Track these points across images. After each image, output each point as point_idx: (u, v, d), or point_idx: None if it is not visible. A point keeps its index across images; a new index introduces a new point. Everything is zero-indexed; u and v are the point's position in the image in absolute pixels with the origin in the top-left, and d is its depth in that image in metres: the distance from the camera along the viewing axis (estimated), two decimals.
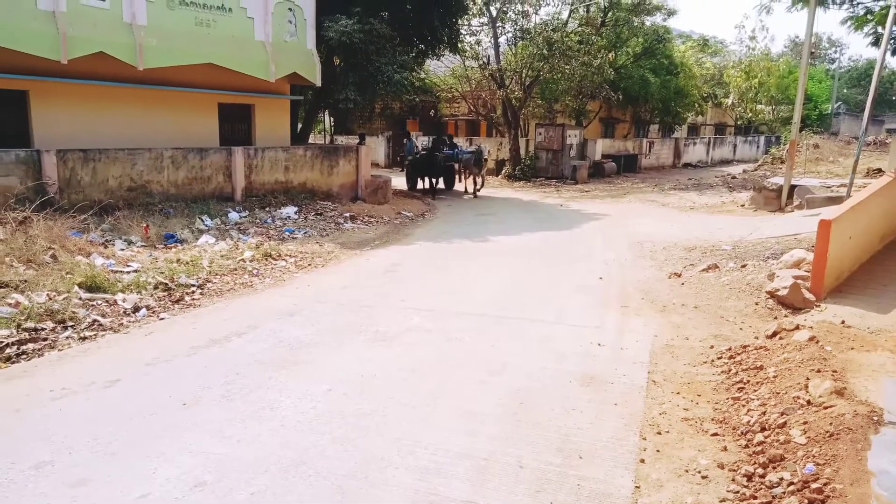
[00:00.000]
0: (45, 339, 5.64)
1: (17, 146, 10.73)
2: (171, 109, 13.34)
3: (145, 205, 11.32)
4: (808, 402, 3.97)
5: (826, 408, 3.78)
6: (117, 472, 3.58)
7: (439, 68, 26.75)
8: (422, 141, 24.10)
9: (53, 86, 11.48)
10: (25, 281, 6.67)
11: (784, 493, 3.23)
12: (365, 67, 15.13)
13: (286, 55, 14.07)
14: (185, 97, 13.48)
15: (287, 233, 11.35)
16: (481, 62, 24.17)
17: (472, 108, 27.04)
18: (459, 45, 20.53)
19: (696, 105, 31.87)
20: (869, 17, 13.45)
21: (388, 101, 26.84)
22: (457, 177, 20.33)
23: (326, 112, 25.27)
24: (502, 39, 24.25)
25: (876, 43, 13.80)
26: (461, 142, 24.87)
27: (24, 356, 5.32)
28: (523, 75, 23.18)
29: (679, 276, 8.61)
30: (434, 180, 18.77)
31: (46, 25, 10.41)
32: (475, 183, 18.85)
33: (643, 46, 26.19)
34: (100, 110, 12.25)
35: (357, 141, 21.83)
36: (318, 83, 14.98)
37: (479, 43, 24.46)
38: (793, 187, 14.59)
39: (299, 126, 18.94)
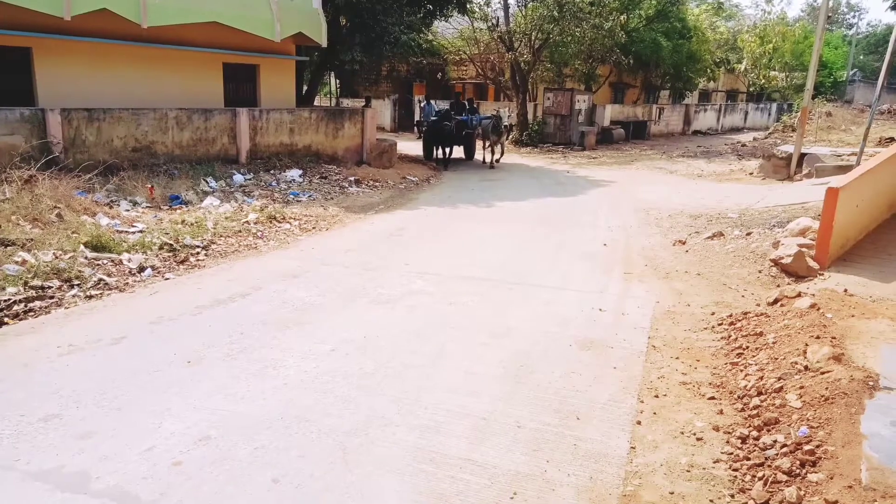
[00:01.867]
0: (51, 297, 5.71)
1: (22, 104, 10.68)
2: (176, 69, 13.22)
3: (150, 165, 11.30)
4: (806, 368, 4.00)
5: (823, 373, 3.81)
6: (123, 425, 3.66)
7: (447, 30, 26.34)
8: (440, 105, 21.32)
9: (57, 43, 11.36)
10: (32, 239, 6.72)
11: (777, 454, 3.28)
12: (371, 28, 14.90)
13: (292, 14, 13.85)
14: (189, 56, 13.34)
15: (292, 195, 11.34)
16: (490, 24, 23.75)
17: (480, 71, 26.66)
18: (468, 6, 20.11)
19: (709, 70, 31.31)
20: None
21: (395, 63, 26.56)
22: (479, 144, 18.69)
23: (332, 74, 25.02)
24: (512, 0, 23.78)
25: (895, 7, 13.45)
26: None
27: (32, 313, 5.39)
28: (533, 38, 22.76)
29: (683, 243, 8.59)
30: (447, 149, 17.23)
31: None
32: (493, 152, 17.35)
33: (656, 9, 25.62)
34: (104, 69, 12.15)
35: (363, 104, 21.67)
36: (324, 43, 14.77)
37: (488, 4, 23.97)
38: (803, 155, 14.41)
39: (305, 88, 18.75)
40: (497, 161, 17.52)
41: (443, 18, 19.99)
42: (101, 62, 12.05)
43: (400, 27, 15.25)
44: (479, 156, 18.46)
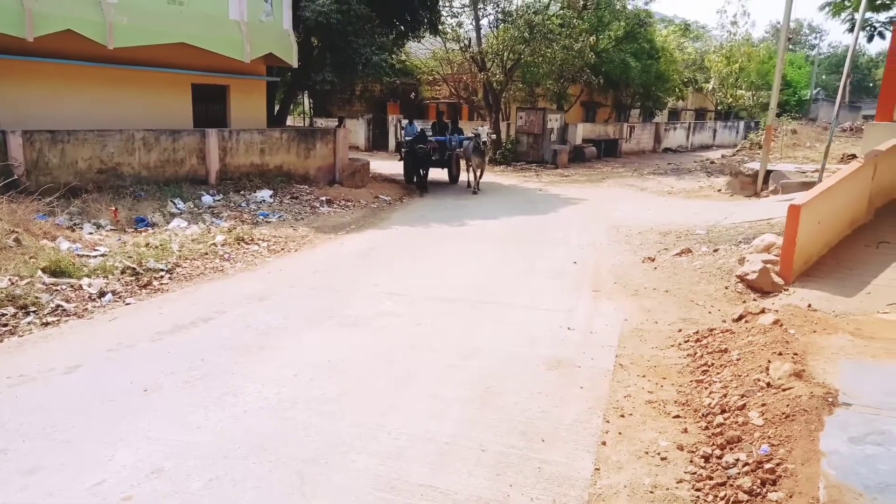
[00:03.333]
0: (5, 325, 5.52)
1: None
2: (143, 90, 13.07)
3: (116, 188, 11.10)
4: (768, 385, 4.01)
5: (784, 390, 3.83)
6: (72, 459, 3.53)
7: (420, 50, 26.51)
8: (420, 126, 18.89)
9: (20, 64, 11.16)
10: None
11: (738, 473, 3.26)
12: (343, 49, 14.91)
13: (262, 35, 13.81)
14: (157, 77, 13.21)
15: (261, 216, 11.22)
16: (462, 44, 23.98)
17: (453, 90, 26.84)
18: (440, 27, 20.28)
19: (677, 90, 31.95)
20: (846, 2, 13.52)
21: (368, 83, 26.59)
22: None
23: (306, 94, 24.98)
24: (484, 21, 24.07)
25: (852, 29, 13.89)
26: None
27: None
28: (504, 58, 23.03)
29: (653, 260, 8.66)
30: (423, 172, 16.32)
31: (11, 1, 10.10)
32: (474, 174, 16.15)
33: (625, 30, 26.11)
34: (69, 90, 11.96)
35: (336, 124, 21.58)
36: (295, 64, 14.74)
37: (460, 25, 24.22)
38: (768, 172, 14.71)
39: (277, 108, 18.68)
40: (478, 183, 16.35)
41: (415, 39, 20.12)
42: (65, 83, 11.86)
43: (371, 48, 15.28)
44: (464, 177, 17.30)
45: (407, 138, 16.63)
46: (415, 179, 16.62)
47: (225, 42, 13.15)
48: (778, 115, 24.18)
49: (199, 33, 12.66)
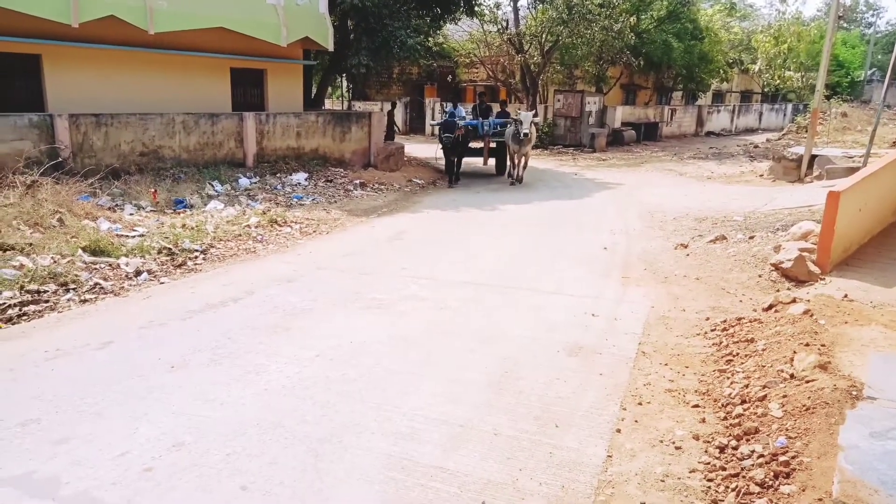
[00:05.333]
0: (46, 301, 5.77)
1: (32, 110, 10.85)
2: (183, 74, 13.34)
3: (156, 170, 11.42)
4: (792, 376, 3.92)
5: (807, 381, 3.73)
6: (100, 430, 3.69)
7: (457, 33, 26.32)
8: (463, 110, 15.70)
9: (66, 50, 11.52)
10: (31, 244, 6.80)
11: (753, 464, 3.21)
12: (378, 32, 14.92)
13: (298, 19, 13.92)
14: (196, 62, 13.46)
15: (295, 199, 11.39)
16: (500, 26, 23.70)
17: (490, 73, 26.62)
18: (477, 9, 20.07)
19: (722, 71, 30.98)
20: None
21: (406, 66, 26.58)
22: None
23: (344, 77, 25.11)
24: (522, 3, 23.73)
25: None
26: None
27: (25, 317, 5.46)
28: (542, 40, 22.69)
29: (685, 246, 8.49)
30: (455, 161, 14.45)
31: None
32: (515, 165, 14.56)
33: (667, 10, 25.40)
34: (112, 75, 12.29)
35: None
36: (331, 48, 14.83)
37: (497, 6, 23.97)
38: (813, 157, 14.19)
39: (313, 91, 18.83)
40: (520, 175, 14.57)
41: (452, 22, 19.96)
42: (109, 68, 12.19)
43: (407, 31, 15.24)
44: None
45: (432, 123, 14.58)
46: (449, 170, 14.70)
47: (262, 26, 13.31)
48: (828, 98, 23.28)
49: (237, 18, 12.85)
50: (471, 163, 16.20)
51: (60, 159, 10.06)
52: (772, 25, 34.00)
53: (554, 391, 4.34)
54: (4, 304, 5.52)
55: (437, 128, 15.13)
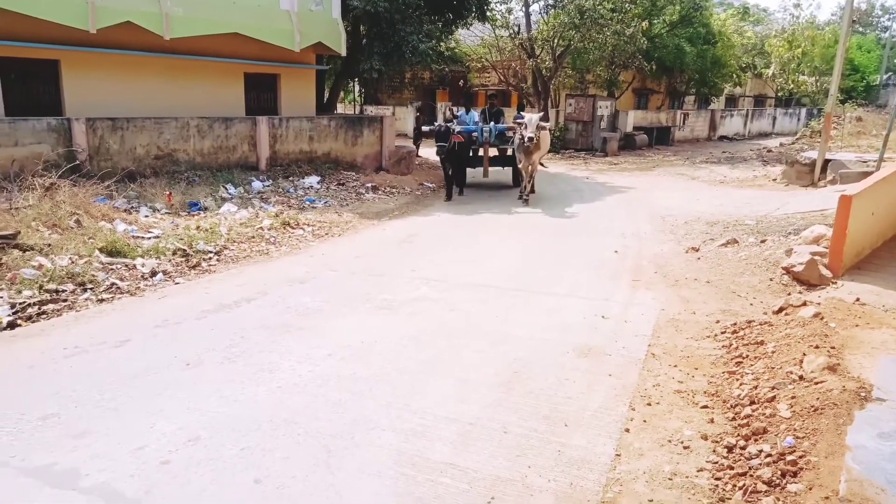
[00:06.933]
0: (65, 300, 5.89)
1: (51, 114, 11.05)
2: (198, 79, 13.53)
3: (171, 173, 11.57)
4: (800, 378, 3.93)
5: (816, 383, 3.74)
6: (118, 425, 3.77)
7: (469, 37, 26.43)
8: (475, 114, 14.43)
9: (83, 55, 11.73)
10: (49, 245, 6.94)
11: (760, 464, 3.23)
12: (390, 37, 15.04)
13: (311, 25, 14.07)
14: (211, 67, 13.64)
15: (308, 202, 11.50)
16: (511, 31, 23.77)
17: (502, 78, 26.68)
18: (489, 14, 20.15)
19: (735, 76, 30.85)
20: None
21: (417, 70, 26.75)
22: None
23: (356, 82, 25.31)
24: (533, 7, 23.79)
25: None
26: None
27: (44, 316, 5.58)
28: (554, 45, 22.71)
29: (697, 250, 8.49)
30: (451, 171, 13.02)
31: None
32: (522, 178, 12.82)
33: (680, 14, 25.37)
34: (128, 79, 12.49)
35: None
36: (344, 53, 14.96)
37: (509, 11, 24.02)
38: (827, 161, 14.11)
39: (326, 96, 18.99)
40: (529, 190, 12.74)
41: (464, 27, 20.07)
42: (125, 73, 12.39)
43: (419, 36, 15.36)
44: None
45: (425, 129, 13.16)
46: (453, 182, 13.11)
47: (276, 32, 13.47)
48: (843, 102, 23.12)
49: (251, 23, 13.01)
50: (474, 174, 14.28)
51: (78, 162, 10.22)
52: (785, 30, 33.82)
53: (563, 391, 4.38)
54: (24, 302, 5.64)
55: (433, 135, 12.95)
